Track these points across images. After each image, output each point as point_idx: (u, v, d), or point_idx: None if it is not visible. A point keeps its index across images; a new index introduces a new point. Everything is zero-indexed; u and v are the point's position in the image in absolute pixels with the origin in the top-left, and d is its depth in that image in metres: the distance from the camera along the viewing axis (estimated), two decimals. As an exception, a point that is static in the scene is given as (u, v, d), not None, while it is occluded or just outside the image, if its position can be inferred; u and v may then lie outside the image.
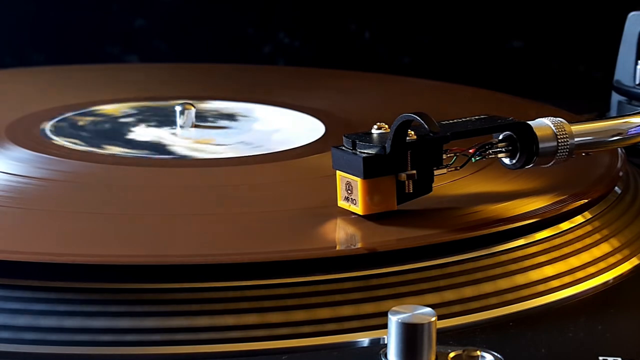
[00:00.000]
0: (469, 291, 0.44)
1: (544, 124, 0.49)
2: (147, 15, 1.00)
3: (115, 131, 0.63)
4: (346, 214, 0.47)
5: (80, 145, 0.59)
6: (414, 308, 0.38)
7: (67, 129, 0.62)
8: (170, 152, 0.58)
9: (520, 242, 0.47)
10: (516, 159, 0.49)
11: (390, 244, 0.44)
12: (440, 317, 0.39)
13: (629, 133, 0.52)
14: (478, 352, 0.39)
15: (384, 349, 0.39)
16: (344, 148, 0.47)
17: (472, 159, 0.48)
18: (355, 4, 1.01)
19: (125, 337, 0.39)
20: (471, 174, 0.52)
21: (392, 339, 0.38)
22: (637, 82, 0.68)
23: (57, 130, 0.62)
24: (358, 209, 0.46)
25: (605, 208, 0.51)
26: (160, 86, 0.77)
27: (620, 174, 0.55)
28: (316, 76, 0.85)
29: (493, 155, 0.49)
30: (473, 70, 1.01)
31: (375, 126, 0.47)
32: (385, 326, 0.38)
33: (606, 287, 0.47)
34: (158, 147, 0.59)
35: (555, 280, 0.46)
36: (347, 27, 1.01)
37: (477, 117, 0.49)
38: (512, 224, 0.47)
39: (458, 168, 0.48)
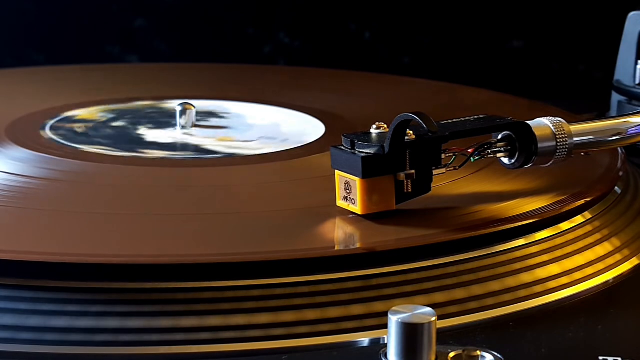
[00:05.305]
0: (468, 291, 0.44)
1: (543, 124, 0.49)
2: (147, 15, 1.00)
3: (120, 132, 0.63)
4: (345, 213, 0.47)
5: (82, 145, 0.59)
6: (413, 308, 0.38)
7: (67, 129, 0.62)
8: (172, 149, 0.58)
9: (521, 242, 0.46)
10: (515, 158, 0.49)
11: (389, 243, 0.44)
12: (440, 317, 0.39)
13: (628, 133, 0.52)
14: (478, 352, 0.39)
15: (384, 349, 0.39)
16: (342, 148, 0.47)
17: (471, 158, 0.48)
18: (355, 4, 1.01)
19: (119, 337, 0.39)
20: (471, 174, 0.52)
21: (392, 338, 0.38)
22: (637, 82, 0.68)
23: (57, 130, 0.62)
24: (357, 208, 0.46)
25: (605, 208, 0.51)
26: (160, 86, 0.77)
27: (620, 174, 0.55)
28: (316, 76, 0.84)
29: (492, 155, 0.49)
30: (473, 70, 1.01)
31: (374, 126, 0.47)
32: (385, 326, 0.38)
33: (606, 287, 0.47)
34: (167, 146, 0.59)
35: (555, 280, 0.46)
36: (347, 27, 1.01)
37: (475, 117, 0.49)
38: (512, 224, 0.47)
39: (457, 168, 0.48)
